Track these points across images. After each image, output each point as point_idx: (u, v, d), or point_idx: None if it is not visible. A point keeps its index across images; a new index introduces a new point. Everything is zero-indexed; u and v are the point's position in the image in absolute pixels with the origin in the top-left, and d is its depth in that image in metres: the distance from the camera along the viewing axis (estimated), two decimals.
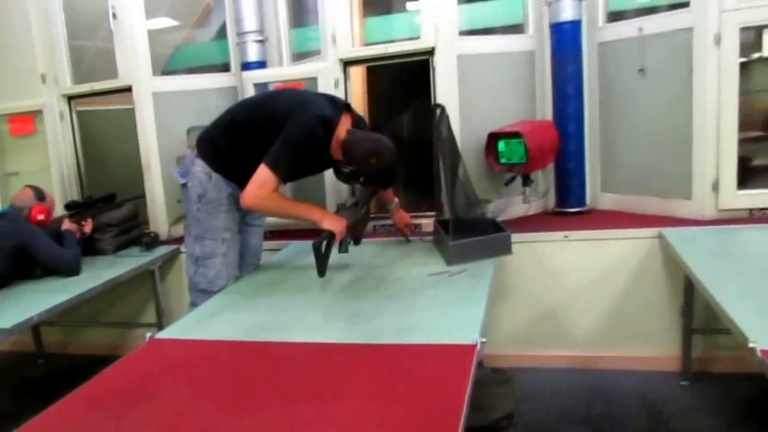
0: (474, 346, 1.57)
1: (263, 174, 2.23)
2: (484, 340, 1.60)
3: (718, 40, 2.62)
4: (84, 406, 1.45)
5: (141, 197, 3.47)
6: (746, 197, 2.76)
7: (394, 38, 3.69)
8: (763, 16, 2.57)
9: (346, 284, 2.32)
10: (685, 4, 2.76)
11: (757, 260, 2.24)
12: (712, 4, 2.61)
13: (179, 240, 3.41)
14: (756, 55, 2.67)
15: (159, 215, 3.46)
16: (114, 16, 3.34)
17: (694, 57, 2.71)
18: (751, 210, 2.77)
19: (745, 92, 2.77)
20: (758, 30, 2.62)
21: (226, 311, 2.14)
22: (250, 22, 3.52)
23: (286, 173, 2.29)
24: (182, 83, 3.57)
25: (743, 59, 2.65)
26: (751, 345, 1.45)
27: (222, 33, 3.80)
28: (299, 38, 3.74)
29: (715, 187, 2.77)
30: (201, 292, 2.50)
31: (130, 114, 3.47)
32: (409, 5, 3.86)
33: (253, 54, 3.54)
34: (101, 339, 3.63)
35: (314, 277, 2.31)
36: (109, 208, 3.30)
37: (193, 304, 2.47)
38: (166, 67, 3.93)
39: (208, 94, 3.56)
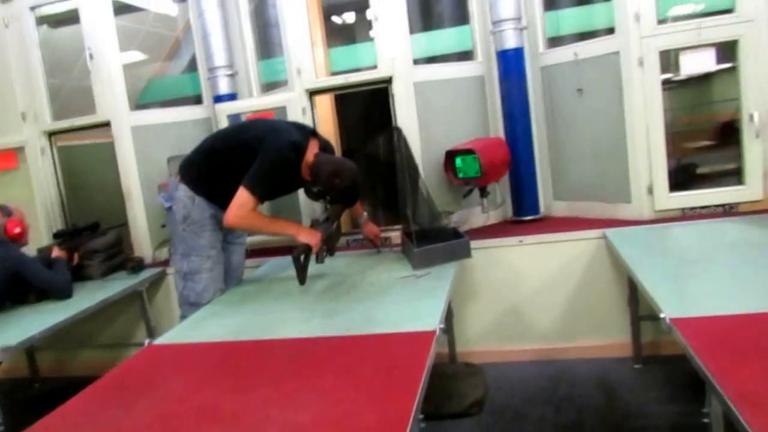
0: (433, 332, 1.94)
1: (243, 195, 2.61)
2: (442, 326, 1.99)
3: (641, 63, 3.12)
4: (93, 400, 1.73)
5: (124, 224, 3.83)
6: (677, 198, 3.24)
7: (359, 66, 4.12)
8: (676, 40, 3.09)
9: (323, 290, 2.68)
10: (612, 30, 3.27)
11: (683, 250, 2.72)
12: (633, 31, 3.11)
13: (164, 263, 3.79)
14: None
15: (143, 240, 3.81)
16: (91, 56, 3.73)
17: (623, 77, 3.21)
18: (683, 209, 3.25)
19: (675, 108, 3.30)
20: (675, 52, 3.15)
21: (216, 317, 2.49)
22: (219, 58, 3.94)
23: (262, 194, 2.68)
24: (159, 116, 3.96)
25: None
26: (662, 315, 1.84)
27: (192, 66, 4.20)
28: (267, 70, 4.15)
29: (650, 190, 3.25)
30: (190, 305, 2.83)
31: (108, 147, 3.82)
32: (372, 33, 4.33)
33: (224, 87, 3.95)
34: (95, 360, 3.91)
35: (294, 286, 2.73)
36: (94, 235, 3.63)
37: (184, 317, 2.81)
38: (140, 100, 4.31)
39: (184, 125, 3.95)
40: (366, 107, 4.34)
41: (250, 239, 3.38)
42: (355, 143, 4.45)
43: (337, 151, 3.61)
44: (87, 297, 3.17)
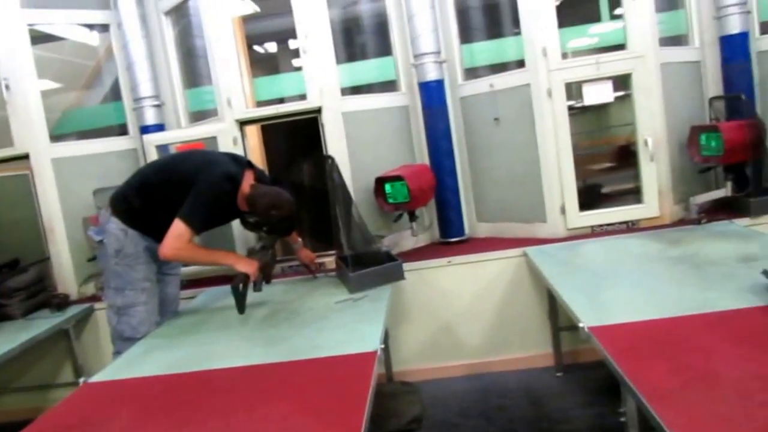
0: (375, 353, 2.13)
1: (179, 227, 2.75)
2: (383, 346, 2.21)
3: (549, 94, 3.58)
4: None
5: (46, 260, 3.85)
6: (587, 217, 3.70)
7: (284, 95, 4.40)
8: (579, 74, 3.57)
9: (263, 318, 2.85)
10: (522, 62, 3.71)
11: (595, 265, 3.10)
12: (541, 65, 3.57)
13: (91, 298, 3.84)
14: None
15: (67, 276, 3.86)
16: (7, 87, 3.77)
17: (534, 107, 3.65)
18: (592, 227, 3.70)
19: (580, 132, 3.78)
20: (578, 85, 3.62)
21: (154, 351, 2.56)
22: (145, 88, 4.08)
23: (199, 225, 2.82)
24: (81, 148, 4.03)
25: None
26: (580, 325, 2.13)
27: (113, 95, 4.30)
28: (194, 99, 4.32)
29: (563, 210, 3.68)
30: (125, 341, 2.90)
31: (23, 180, 3.84)
32: (295, 62, 4.58)
33: (150, 118, 4.09)
34: (20, 404, 3.86)
35: (234, 315, 2.88)
36: (14, 273, 3.64)
37: (118, 353, 2.86)
38: (54, 131, 4.31)
39: (109, 157, 4.05)
40: (291, 136, 4.58)
41: (185, 270, 3.52)
42: (282, 171, 4.68)
43: None
44: (8, 338, 3.17)
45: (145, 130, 4.06)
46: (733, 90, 3.80)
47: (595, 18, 4.05)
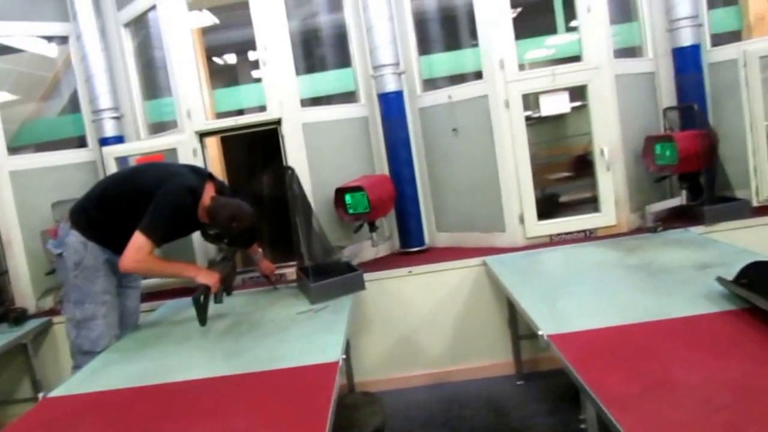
0: (336, 363, 2.17)
1: (139, 240, 2.77)
2: (344, 356, 2.25)
3: (507, 104, 3.66)
4: None
5: (3, 273, 3.84)
6: (545, 226, 3.78)
7: (243, 107, 4.45)
8: (536, 85, 3.66)
9: (224, 330, 2.88)
10: (479, 73, 3.79)
11: (553, 273, 3.20)
12: (498, 77, 3.66)
13: (49, 312, 3.83)
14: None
15: (24, 290, 3.86)
16: None
17: (492, 118, 3.73)
18: (550, 236, 3.78)
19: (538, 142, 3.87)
20: (535, 96, 3.71)
21: (114, 365, 2.57)
22: (105, 100, 4.11)
23: (159, 238, 2.85)
24: (40, 160, 4.04)
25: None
26: (540, 332, 2.19)
27: (72, 107, 4.31)
28: (154, 110, 4.34)
29: (522, 220, 3.76)
30: (84, 354, 2.89)
31: None
32: (255, 73, 4.63)
33: (110, 130, 4.11)
34: None
35: (194, 328, 2.89)
36: None
37: (77, 367, 2.84)
38: (12, 143, 4.31)
39: (67, 169, 4.07)
40: (251, 147, 4.62)
41: (145, 282, 3.53)
42: (242, 182, 4.71)
43: None
44: None
45: (104, 142, 4.08)
46: (686, 100, 3.91)
47: (552, 30, 4.16)
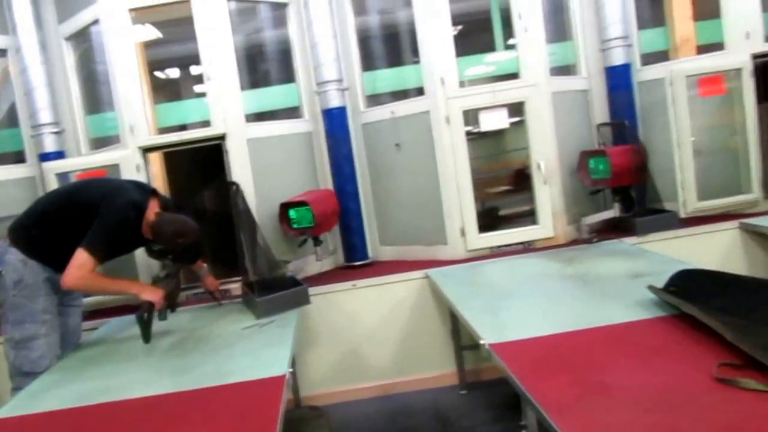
0: (284, 376, 2.23)
1: (82, 256, 2.78)
2: (291, 370, 2.31)
3: (448, 120, 3.81)
4: None
5: None
6: (486, 239, 3.93)
7: (186, 122, 4.48)
8: (476, 101, 3.83)
9: (169, 347, 2.89)
10: (422, 90, 3.94)
11: (494, 284, 3.32)
12: (440, 93, 3.81)
13: None
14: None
15: None
16: None
17: (433, 133, 3.88)
18: (491, 248, 3.93)
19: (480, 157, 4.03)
20: (475, 112, 3.87)
21: (57, 385, 2.55)
22: (45, 115, 4.07)
23: (102, 254, 2.86)
24: None
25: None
26: (481, 342, 2.30)
27: (10, 121, 4.26)
28: (96, 125, 4.33)
29: (463, 232, 3.90)
30: (24, 376, 2.84)
31: None
32: (198, 88, 4.68)
33: (50, 145, 4.07)
34: None
35: (138, 346, 2.92)
36: None
37: (17, 389, 2.81)
38: None
39: (5, 185, 4.02)
40: (195, 162, 4.65)
41: (87, 300, 3.53)
42: (186, 198, 4.74)
43: None
44: None
45: (44, 157, 4.04)
46: (619, 117, 4.16)
47: (491, 47, 4.34)
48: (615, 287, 2.83)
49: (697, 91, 3.83)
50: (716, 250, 3.79)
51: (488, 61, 4.33)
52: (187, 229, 3.01)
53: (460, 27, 5.06)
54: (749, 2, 3.87)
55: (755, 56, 3.87)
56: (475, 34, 4.53)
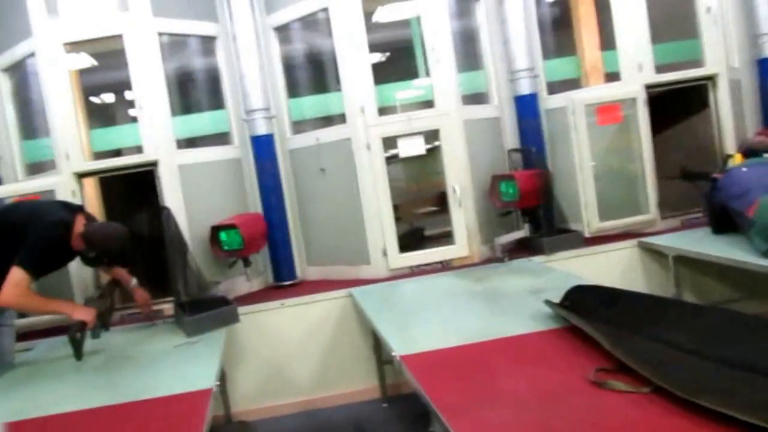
0: (210, 389, 2.46)
1: (17, 274, 3.01)
2: (218, 383, 2.57)
3: (368, 147, 4.16)
4: None
5: None
6: (406, 258, 4.28)
7: (121, 146, 4.76)
8: (394, 129, 4.19)
9: (101, 364, 3.13)
10: (343, 118, 4.30)
11: (410, 301, 3.69)
12: (359, 122, 4.17)
13: None
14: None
15: None
16: None
17: (355, 159, 4.22)
18: (411, 267, 4.28)
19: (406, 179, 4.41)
20: (393, 139, 4.23)
21: None
22: None
23: (36, 271, 3.10)
24: None
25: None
26: (393, 353, 2.62)
27: None
28: (30, 150, 4.55)
29: (385, 253, 4.24)
30: None
31: None
32: (132, 112, 4.93)
33: None
34: None
35: (70, 364, 3.14)
36: None
37: None
38: None
39: None
40: (129, 186, 4.89)
41: (19, 322, 3.74)
42: (121, 221, 4.98)
43: None
44: None
45: None
46: (528, 143, 4.58)
47: (414, 74, 4.72)
48: (516, 302, 3.18)
49: (596, 119, 4.24)
50: (617, 266, 4.21)
51: (415, 86, 4.70)
52: (117, 230, 3.30)
53: (388, 53, 5.49)
54: (640, 35, 4.32)
55: (648, 86, 4.30)
56: (402, 60, 4.90)
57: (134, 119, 4.37)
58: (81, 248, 3.26)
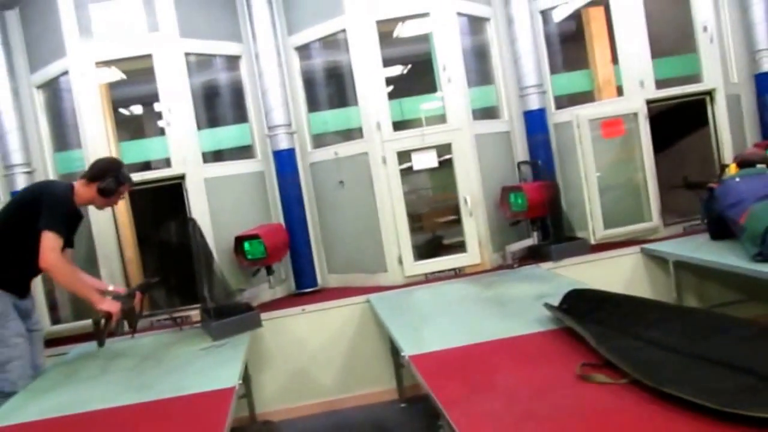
0: (233, 388, 2.76)
1: (48, 237, 3.33)
2: (240, 382, 2.88)
3: (384, 161, 4.50)
4: None
5: None
6: (421, 266, 4.61)
7: (149, 159, 5.13)
8: (408, 144, 4.53)
9: (132, 366, 3.49)
10: (361, 132, 4.65)
11: (424, 306, 4.01)
12: (376, 137, 4.51)
13: None
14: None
15: None
16: None
17: (372, 172, 4.57)
18: (425, 274, 4.61)
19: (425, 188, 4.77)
20: (408, 152, 4.57)
21: (33, 401, 3.07)
22: (17, 156, 4.70)
23: (62, 232, 3.40)
24: None
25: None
26: (402, 354, 2.95)
27: None
28: (63, 162, 4.93)
29: (400, 261, 4.58)
30: (5, 397, 3.25)
31: None
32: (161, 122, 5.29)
33: (21, 184, 4.63)
34: None
35: (104, 366, 3.51)
36: None
37: None
38: None
39: None
40: (158, 196, 5.22)
41: (50, 329, 4.12)
42: (150, 231, 5.34)
43: (133, 239, 4.62)
44: None
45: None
46: (537, 156, 4.92)
47: (434, 87, 5.05)
48: (521, 307, 3.49)
49: (600, 133, 4.59)
50: (621, 272, 4.52)
51: (432, 100, 5.08)
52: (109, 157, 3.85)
53: (409, 66, 5.82)
54: (641, 54, 4.69)
55: (649, 101, 4.65)
56: (423, 74, 5.25)
57: (162, 131, 4.74)
58: (90, 200, 3.68)
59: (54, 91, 4.89)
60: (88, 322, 3.81)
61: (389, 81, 4.74)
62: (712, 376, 1.99)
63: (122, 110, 6.15)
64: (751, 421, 1.70)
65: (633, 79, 4.70)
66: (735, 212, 3.75)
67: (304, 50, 4.97)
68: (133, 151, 5.16)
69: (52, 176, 4.88)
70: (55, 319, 4.60)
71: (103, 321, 3.52)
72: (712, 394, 1.79)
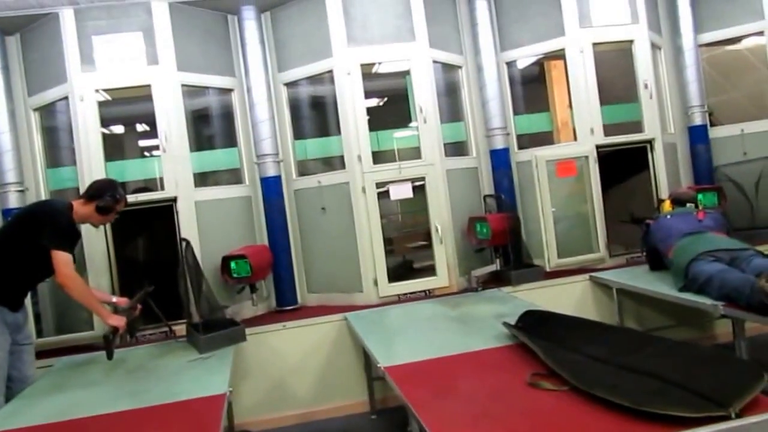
0: (224, 394, 3.11)
1: (60, 256, 3.66)
2: (231, 389, 3.22)
3: (364, 190, 5.12)
4: None
5: None
6: (395, 287, 5.22)
7: (136, 179, 5.56)
8: (386, 176, 5.16)
9: (124, 375, 3.86)
10: (341, 160, 5.28)
11: (396, 324, 4.55)
12: (357, 168, 5.12)
13: None
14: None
15: None
16: None
17: (352, 200, 5.18)
18: (398, 295, 5.21)
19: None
20: (385, 183, 5.21)
21: (24, 409, 3.32)
22: (10, 175, 5.06)
23: (71, 247, 3.76)
24: None
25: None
26: (378, 365, 3.39)
27: None
28: (55, 178, 5.32)
29: (375, 282, 5.17)
30: None
31: None
32: (143, 144, 5.74)
33: (14, 202, 5.03)
34: None
35: (95, 375, 3.90)
36: None
37: None
38: None
39: None
40: (144, 218, 5.61)
41: (40, 341, 4.52)
42: (140, 251, 5.81)
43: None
44: None
45: (7, 213, 5.01)
46: (501, 190, 5.65)
47: (407, 119, 5.67)
48: (483, 325, 4.03)
49: (555, 172, 5.33)
50: (571, 296, 5.24)
51: (402, 131, 5.78)
52: (104, 178, 4.23)
53: (385, 99, 6.44)
54: (592, 105, 5.49)
55: (598, 146, 5.46)
56: (399, 106, 5.91)
57: (143, 152, 5.12)
58: (89, 218, 4.01)
59: (49, 112, 5.30)
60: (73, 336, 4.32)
61: (367, 112, 5.33)
62: (632, 382, 2.56)
63: (107, 131, 6.46)
64: (656, 417, 2.20)
65: (585, 125, 5.50)
66: (664, 246, 4.46)
67: (292, 85, 5.58)
68: (117, 172, 5.46)
69: (44, 193, 5.26)
70: (38, 332, 4.87)
71: (111, 336, 3.88)
72: (630, 396, 2.35)
